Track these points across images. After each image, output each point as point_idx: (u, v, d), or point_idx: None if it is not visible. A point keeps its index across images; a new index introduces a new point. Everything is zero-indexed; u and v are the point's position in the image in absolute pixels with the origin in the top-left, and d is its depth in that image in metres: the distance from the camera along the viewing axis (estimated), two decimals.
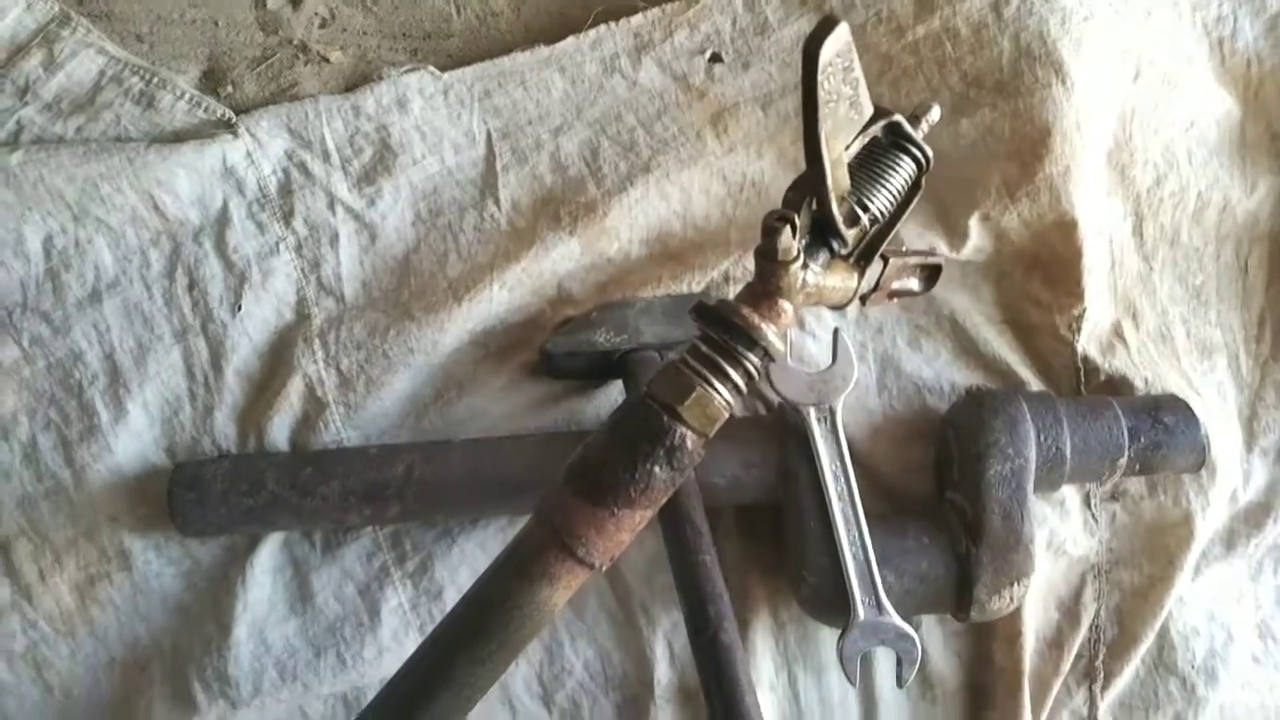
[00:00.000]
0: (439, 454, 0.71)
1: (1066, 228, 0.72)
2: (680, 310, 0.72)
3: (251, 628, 0.74)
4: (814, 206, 0.39)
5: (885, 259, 0.44)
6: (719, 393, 0.38)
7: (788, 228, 0.38)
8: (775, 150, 0.77)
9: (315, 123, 0.76)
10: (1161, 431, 0.70)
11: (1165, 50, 0.78)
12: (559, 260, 0.75)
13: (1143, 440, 0.70)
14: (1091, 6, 0.73)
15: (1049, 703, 0.75)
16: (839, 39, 0.37)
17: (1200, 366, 0.79)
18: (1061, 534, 0.75)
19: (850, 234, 0.40)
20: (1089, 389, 0.76)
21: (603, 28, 0.77)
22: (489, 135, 0.77)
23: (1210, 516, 0.76)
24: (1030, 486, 0.68)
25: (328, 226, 0.76)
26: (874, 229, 0.42)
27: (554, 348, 0.71)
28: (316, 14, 0.79)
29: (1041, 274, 0.75)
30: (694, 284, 0.75)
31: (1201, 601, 0.78)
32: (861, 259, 0.42)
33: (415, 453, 0.71)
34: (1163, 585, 0.75)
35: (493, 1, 0.80)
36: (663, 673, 0.74)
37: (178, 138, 0.75)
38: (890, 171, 0.42)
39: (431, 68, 0.77)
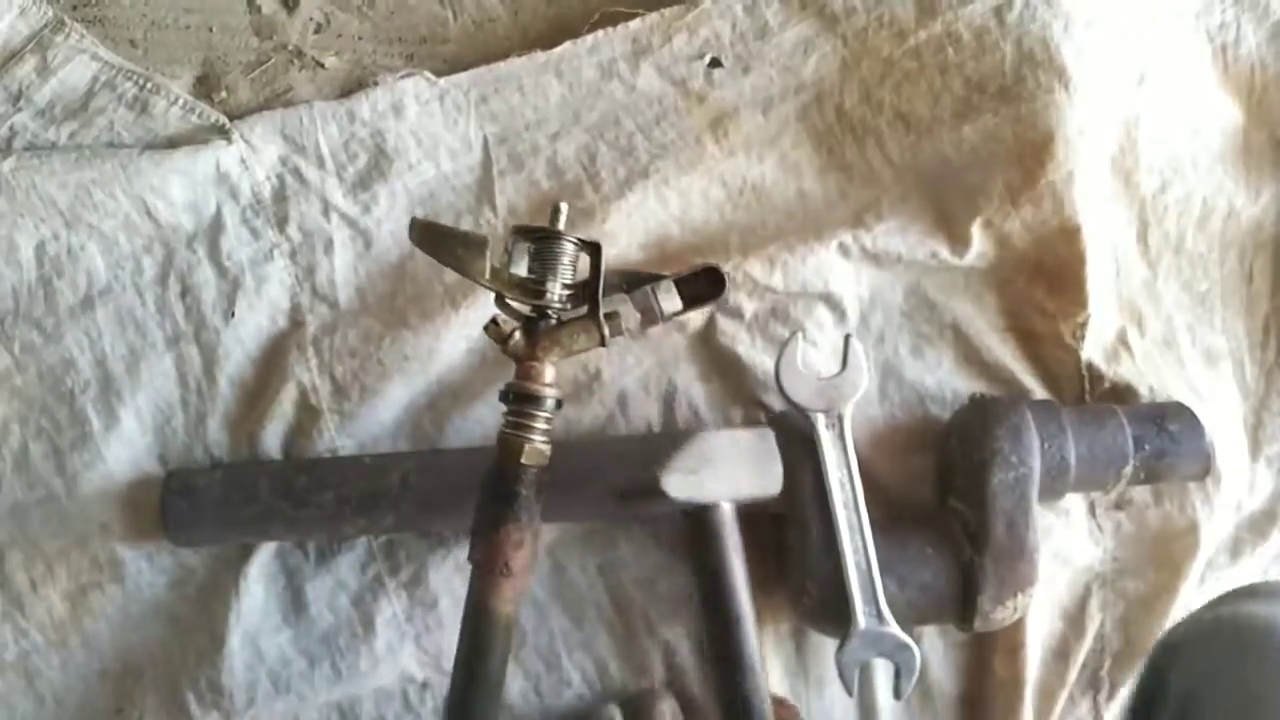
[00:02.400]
0: (434, 463, 0.71)
1: (1070, 234, 0.71)
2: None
3: (245, 638, 0.73)
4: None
5: (631, 295, 0.59)
6: (532, 439, 0.54)
7: (490, 330, 0.56)
8: (776, 154, 0.76)
9: (310, 128, 0.75)
10: (1167, 440, 0.70)
11: (1168, 56, 0.77)
12: None
13: (1148, 448, 0.69)
14: (1094, 12, 0.73)
15: (1055, 714, 0.75)
16: (420, 229, 0.56)
17: (1205, 374, 0.78)
18: (1066, 543, 0.75)
19: (542, 305, 0.55)
20: (1093, 397, 0.75)
21: (600, 33, 0.77)
22: (485, 141, 0.76)
23: (1216, 525, 0.76)
24: (1034, 495, 0.67)
25: (322, 233, 0.75)
26: (582, 290, 0.56)
27: None
28: (311, 19, 0.79)
29: (1045, 281, 0.74)
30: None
31: None
32: (591, 312, 0.56)
33: (410, 461, 0.71)
34: (1168, 595, 0.75)
35: (489, 6, 0.79)
36: (661, 683, 0.74)
37: (171, 143, 0.74)
38: (546, 255, 0.56)
39: (427, 73, 0.76)
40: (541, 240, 0.56)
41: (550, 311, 0.55)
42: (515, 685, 0.74)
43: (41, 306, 0.74)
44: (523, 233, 0.56)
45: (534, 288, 0.55)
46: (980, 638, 0.74)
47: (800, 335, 0.68)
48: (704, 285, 0.57)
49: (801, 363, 0.68)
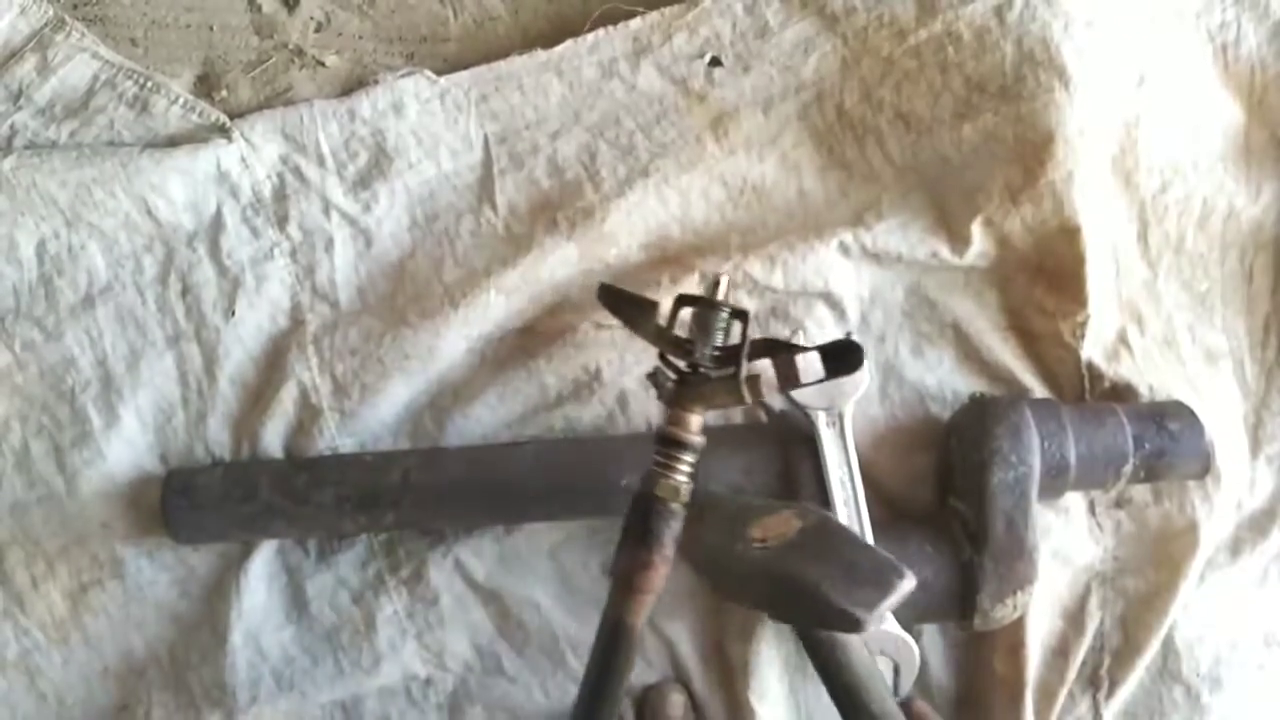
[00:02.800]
0: (435, 461, 0.71)
1: (1070, 233, 0.71)
2: None
3: (247, 635, 0.74)
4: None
5: (774, 360, 0.61)
6: (672, 477, 0.60)
7: (651, 379, 0.62)
8: (777, 153, 0.76)
9: (310, 127, 0.75)
10: (1166, 438, 0.70)
11: (1169, 56, 0.77)
12: (557, 266, 0.74)
13: (1147, 447, 0.69)
14: (1095, 12, 0.72)
15: (1056, 712, 0.75)
16: (604, 291, 0.64)
17: (1205, 373, 0.78)
18: (1066, 542, 0.75)
19: (694, 363, 0.61)
20: (1093, 396, 0.75)
21: (601, 32, 0.76)
22: (486, 140, 0.76)
23: (1215, 524, 0.76)
24: (1034, 494, 0.67)
25: (322, 232, 0.75)
26: (725, 353, 0.61)
27: None
28: (312, 18, 0.79)
29: (1045, 280, 0.74)
30: (694, 288, 0.74)
31: (1206, 609, 0.77)
32: (734, 374, 0.60)
33: (411, 459, 0.71)
34: (1168, 593, 0.75)
35: (489, 5, 0.79)
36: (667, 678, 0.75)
37: (171, 142, 0.74)
38: (702, 320, 0.61)
39: (428, 72, 0.76)
40: (699, 307, 0.62)
41: (701, 369, 0.61)
42: (521, 685, 0.75)
43: (42, 305, 0.74)
44: (685, 300, 0.63)
45: (689, 348, 0.61)
46: (980, 637, 0.74)
47: (801, 334, 0.69)
48: (845, 357, 0.60)
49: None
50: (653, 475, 0.61)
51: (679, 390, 0.61)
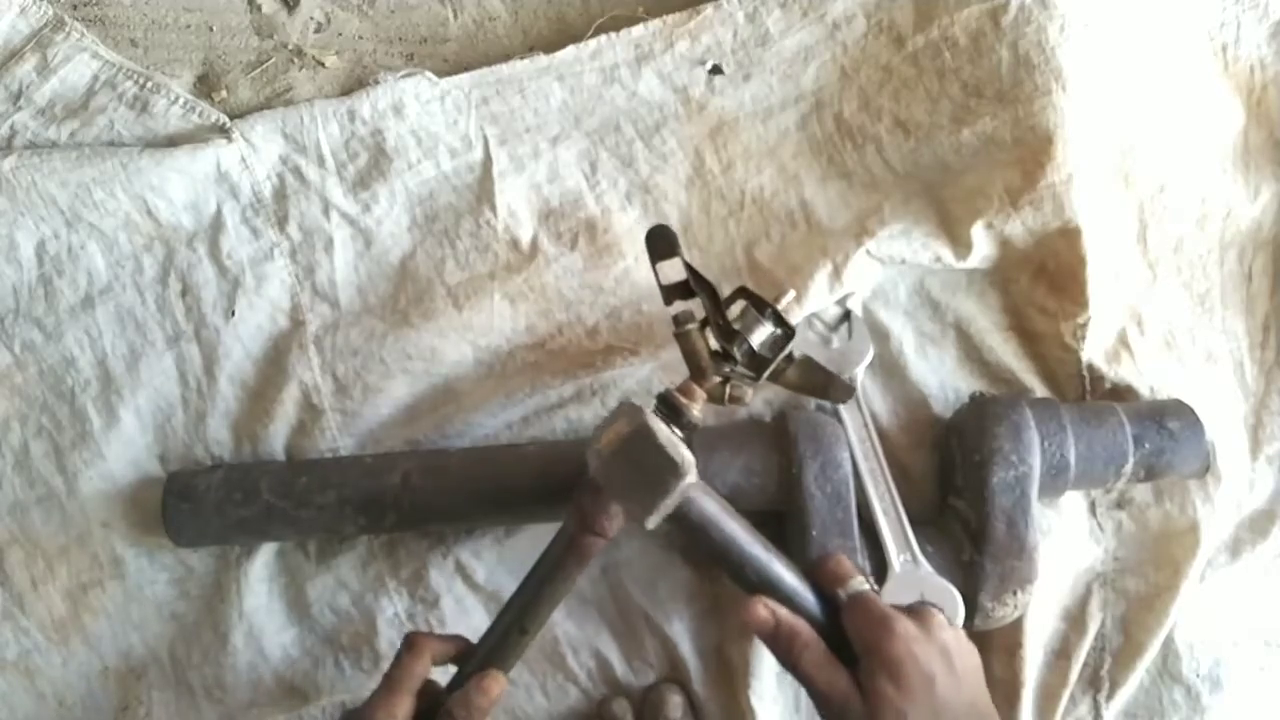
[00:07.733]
0: (436, 462, 0.71)
1: (1070, 235, 0.71)
2: None
3: (248, 637, 0.74)
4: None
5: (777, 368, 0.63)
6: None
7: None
8: (775, 164, 0.76)
9: (310, 127, 0.75)
10: (1166, 438, 0.70)
11: (1168, 56, 0.77)
12: (561, 275, 0.74)
13: (1147, 446, 0.70)
14: (1091, 13, 0.72)
15: (1058, 714, 0.75)
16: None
17: (1205, 373, 0.78)
18: (1067, 542, 0.75)
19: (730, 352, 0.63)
20: (1094, 397, 0.75)
21: (603, 38, 0.76)
22: (486, 141, 0.76)
23: (1216, 524, 0.76)
24: (1034, 493, 0.67)
25: (322, 232, 0.75)
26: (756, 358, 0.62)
27: None
28: (312, 18, 0.79)
29: (1046, 281, 0.74)
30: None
31: (1207, 610, 0.77)
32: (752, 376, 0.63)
33: (412, 461, 0.71)
34: (1169, 594, 0.75)
35: (489, 5, 0.79)
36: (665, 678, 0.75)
37: (171, 142, 0.74)
38: (740, 324, 0.62)
39: (428, 73, 0.76)
40: (753, 308, 0.64)
41: (734, 360, 0.62)
42: (521, 686, 0.74)
43: (42, 305, 0.74)
44: (744, 295, 0.64)
45: (737, 341, 0.62)
46: (977, 638, 0.74)
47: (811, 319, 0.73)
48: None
49: (812, 331, 0.72)
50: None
51: (709, 365, 0.61)
